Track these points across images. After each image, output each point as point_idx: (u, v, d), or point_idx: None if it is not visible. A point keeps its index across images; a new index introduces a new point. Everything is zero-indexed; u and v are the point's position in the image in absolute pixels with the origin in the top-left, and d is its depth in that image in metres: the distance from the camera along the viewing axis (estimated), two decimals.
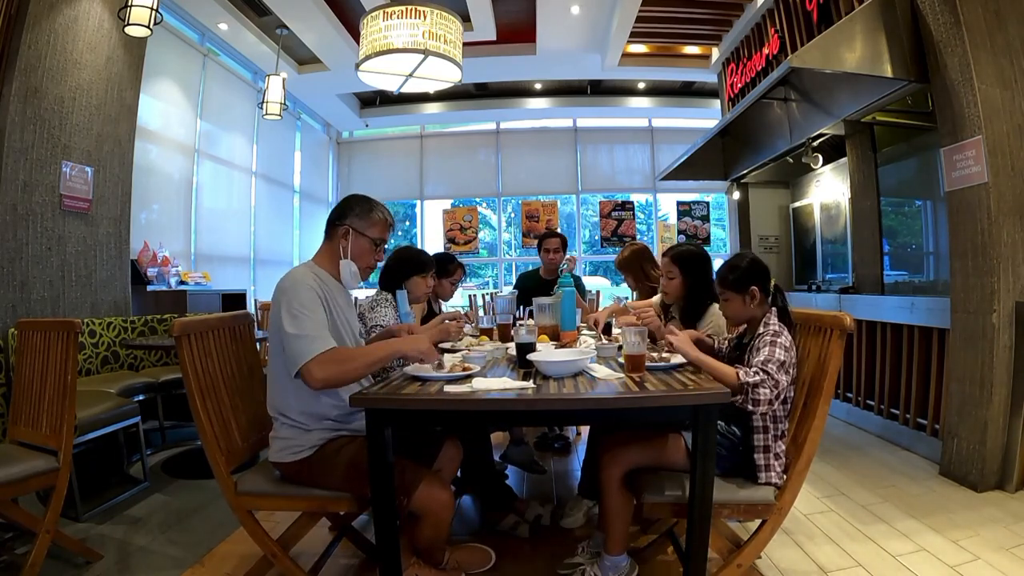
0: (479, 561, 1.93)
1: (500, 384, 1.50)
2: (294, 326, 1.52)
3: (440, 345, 2.35)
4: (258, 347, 2.14)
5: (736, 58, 5.58)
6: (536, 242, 3.92)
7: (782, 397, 1.59)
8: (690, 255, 2.27)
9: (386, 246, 1.85)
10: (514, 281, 9.04)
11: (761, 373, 1.56)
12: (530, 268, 3.90)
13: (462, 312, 2.85)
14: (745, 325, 1.85)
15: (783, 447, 1.65)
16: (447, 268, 2.98)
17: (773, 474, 1.61)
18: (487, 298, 5.79)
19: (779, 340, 1.63)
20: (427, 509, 1.56)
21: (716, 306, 2.23)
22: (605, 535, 1.76)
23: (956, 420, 2.77)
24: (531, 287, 3.49)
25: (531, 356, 1.71)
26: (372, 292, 2.50)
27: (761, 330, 1.69)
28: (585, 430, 3.61)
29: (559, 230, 8.64)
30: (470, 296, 6.15)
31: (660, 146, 8.78)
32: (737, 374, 1.57)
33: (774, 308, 1.75)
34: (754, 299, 1.75)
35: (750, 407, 1.56)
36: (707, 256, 2.32)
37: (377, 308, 2.31)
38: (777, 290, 1.78)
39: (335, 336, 1.65)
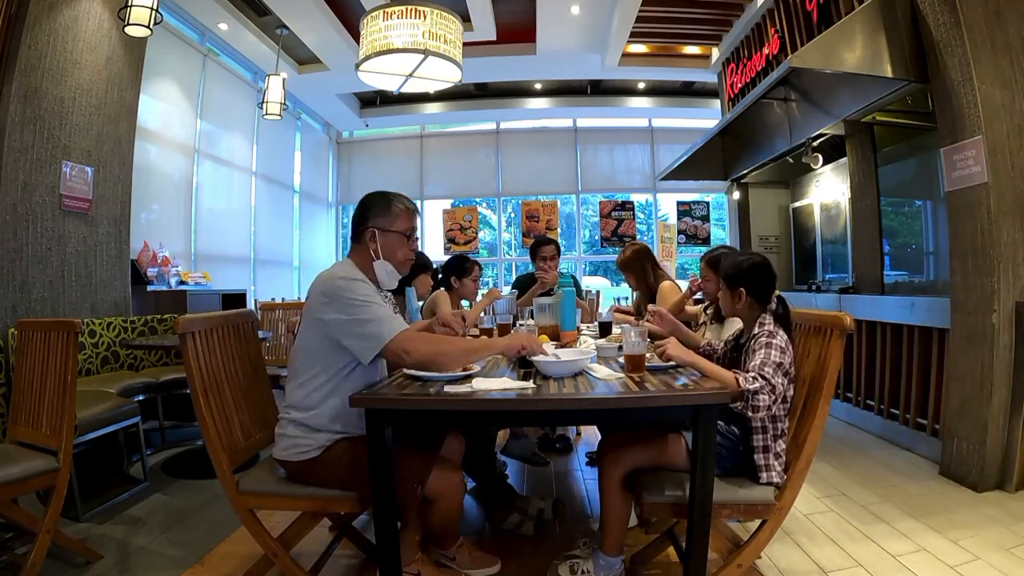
0: (484, 565, 1.92)
1: (500, 384, 1.51)
2: (366, 312, 1.55)
3: None
4: (259, 347, 2.14)
5: (736, 58, 5.58)
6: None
7: (781, 398, 1.59)
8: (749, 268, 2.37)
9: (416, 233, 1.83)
10: (512, 282, 8.99)
11: (760, 379, 1.55)
12: (528, 270, 3.77)
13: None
14: (742, 326, 1.85)
15: (783, 446, 1.65)
16: (464, 267, 2.99)
17: (774, 473, 1.61)
18: None
19: (774, 341, 1.62)
20: (440, 493, 1.59)
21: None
22: (603, 534, 1.77)
23: (956, 420, 2.77)
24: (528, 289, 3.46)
25: (533, 357, 1.71)
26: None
27: (756, 331, 1.69)
28: (585, 430, 3.61)
29: (559, 230, 8.67)
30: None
31: (660, 146, 8.78)
32: (737, 380, 1.56)
33: (770, 309, 1.74)
34: (739, 300, 1.75)
35: (750, 413, 1.56)
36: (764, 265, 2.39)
37: None
38: (780, 301, 1.76)
39: None
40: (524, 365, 1.77)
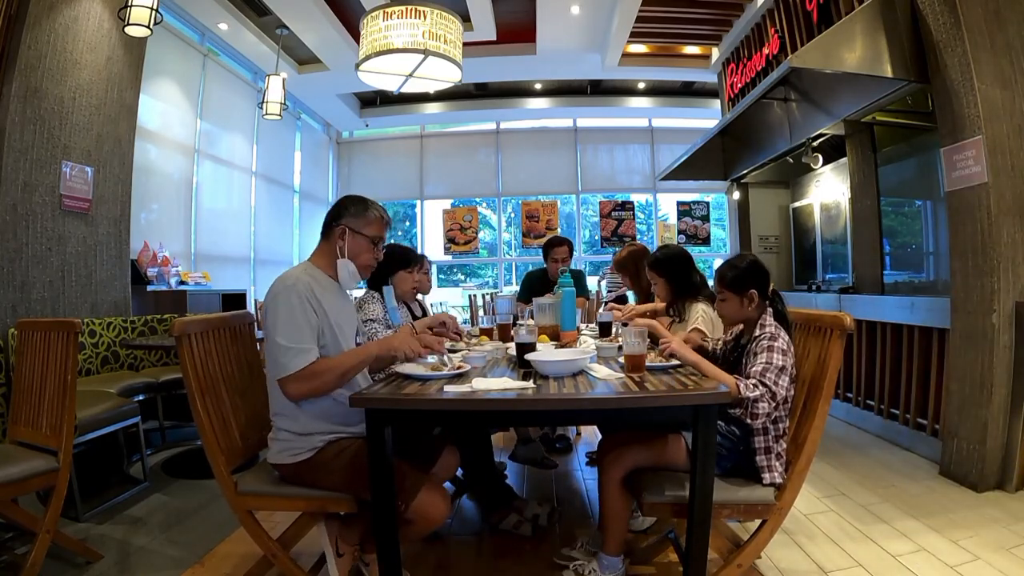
0: None
1: (500, 384, 1.51)
2: (281, 335, 1.54)
3: None
4: (258, 347, 2.14)
5: (736, 58, 5.58)
6: (536, 242, 3.84)
7: (782, 400, 1.59)
8: (664, 258, 2.40)
9: (384, 244, 1.85)
10: (514, 280, 8.98)
11: (760, 387, 1.55)
12: (532, 268, 3.79)
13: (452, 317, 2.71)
14: (741, 326, 1.85)
15: (784, 446, 1.65)
16: (408, 260, 2.88)
17: (776, 474, 1.61)
18: (487, 298, 5.79)
19: (776, 344, 1.62)
20: (425, 516, 1.55)
21: (700, 305, 2.26)
22: (604, 535, 1.77)
23: (956, 420, 2.77)
24: (537, 287, 3.46)
25: (529, 356, 1.71)
26: (361, 291, 2.48)
27: (758, 332, 1.69)
28: (585, 430, 3.61)
29: (559, 230, 8.67)
30: (470, 296, 6.15)
31: (660, 146, 8.78)
32: (738, 387, 1.56)
33: (770, 309, 1.74)
34: (752, 302, 1.74)
35: (748, 420, 1.56)
36: (681, 254, 2.42)
37: (365, 305, 2.32)
38: (775, 294, 1.77)
39: (329, 339, 1.64)
40: (524, 365, 1.77)
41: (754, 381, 1.57)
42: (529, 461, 2.96)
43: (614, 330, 2.42)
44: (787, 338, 1.66)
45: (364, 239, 1.76)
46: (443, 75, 3.15)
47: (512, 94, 8.19)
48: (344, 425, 1.67)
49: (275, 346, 1.54)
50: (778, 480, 1.61)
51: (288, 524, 1.77)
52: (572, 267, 3.54)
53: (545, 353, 1.82)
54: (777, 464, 1.62)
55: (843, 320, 1.56)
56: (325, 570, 1.88)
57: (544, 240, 3.73)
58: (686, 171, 5.94)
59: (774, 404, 1.56)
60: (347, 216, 1.75)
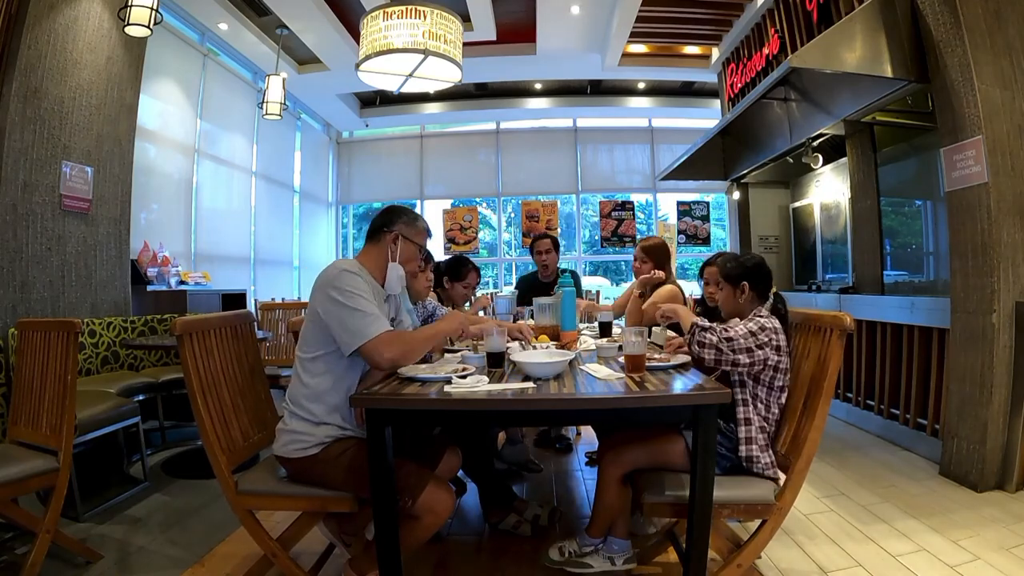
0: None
1: (500, 384, 1.50)
2: (353, 303, 1.57)
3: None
4: (258, 347, 2.14)
5: (736, 58, 5.58)
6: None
7: (737, 338, 1.61)
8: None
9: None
10: (514, 280, 9.00)
11: (717, 327, 1.64)
12: (529, 270, 3.88)
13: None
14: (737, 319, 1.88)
15: (766, 438, 1.67)
16: (459, 272, 2.96)
17: (763, 465, 1.62)
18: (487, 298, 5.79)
19: (759, 319, 1.69)
20: (431, 511, 1.55)
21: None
22: (590, 520, 1.81)
23: (956, 420, 2.77)
24: (530, 289, 3.49)
25: (515, 356, 1.72)
26: None
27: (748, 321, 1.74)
28: (585, 429, 3.61)
29: (559, 230, 8.67)
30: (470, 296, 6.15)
31: (660, 146, 8.78)
32: (694, 321, 1.67)
33: (768, 305, 1.78)
34: (743, 294, 1.82)
35: (695, 348, 1.63)
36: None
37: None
38: (778, 298, 1.80)
39: None
40: (493, 365, 1.79)
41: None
42: (514, 463, 2.95)
43: (614, 330, 2.42)
44: (777, 324, 1.69)
45: (414, 247, 1.84)
46: (443, 75, 3.15)
47: (512, 94, 8.18)
48: (353, 422, 1.67)
49: (347, 315, 1.56)
50: (769, 472, 1.62)
51: (288, 524, 1.77)
52: (567, 267, 3.60)
53: (528, 354, 1.81)
54: (764, 456, 1.63)
55: (843, 320, 1.57)
56: (325, 570, 1.89)
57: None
58: (686, 171, 5.94)
59: (729, 346, 1.60)
60: (400, 223, 1.81)
